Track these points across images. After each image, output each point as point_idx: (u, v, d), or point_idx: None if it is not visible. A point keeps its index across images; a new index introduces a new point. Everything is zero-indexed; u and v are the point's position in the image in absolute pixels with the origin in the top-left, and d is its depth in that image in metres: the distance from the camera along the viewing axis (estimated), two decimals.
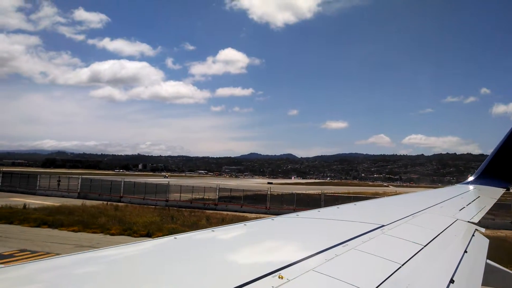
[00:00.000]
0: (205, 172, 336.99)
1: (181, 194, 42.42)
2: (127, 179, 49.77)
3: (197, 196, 42.79)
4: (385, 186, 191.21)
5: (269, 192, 40.18)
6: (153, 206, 38.27)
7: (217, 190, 41.50)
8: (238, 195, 41.87)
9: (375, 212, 5.01)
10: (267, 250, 2.53)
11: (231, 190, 42.88)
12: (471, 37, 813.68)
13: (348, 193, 59.01)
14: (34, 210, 29.29)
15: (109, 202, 38.63)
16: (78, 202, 38.29)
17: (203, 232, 2.73)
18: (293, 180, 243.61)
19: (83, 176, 46.08)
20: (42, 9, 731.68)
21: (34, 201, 37.75)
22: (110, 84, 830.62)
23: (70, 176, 51.91)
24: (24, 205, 30.65)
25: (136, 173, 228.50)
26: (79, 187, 44.41)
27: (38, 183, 46.01)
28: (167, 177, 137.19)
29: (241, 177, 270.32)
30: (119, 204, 38.09)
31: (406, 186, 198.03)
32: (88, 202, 37.18)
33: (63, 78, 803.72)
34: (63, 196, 43.55)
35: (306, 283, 1.81)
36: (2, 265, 1.72)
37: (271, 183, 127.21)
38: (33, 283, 1.62)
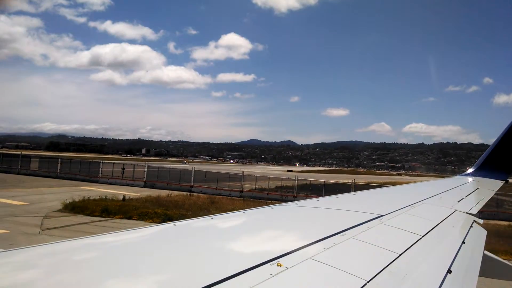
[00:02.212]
0: (209, 158, 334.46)
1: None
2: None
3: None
4: (397, 175, 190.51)
5: (353, 183, 38.25)
6: (227, 197, 36.21)
7: (296, 180, 39.39)
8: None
9: (374, 202, 4.93)
10: (266, 238, 2.51)
11: (310, 180, 40.79)
12: (475, 27, 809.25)
13: None
14: (136, 202, 27.02)
15: (185, 192, 36.59)
16: (149, 191, 36.05)
17: (202, 220, 2.71)
18: (303, 167, 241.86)
19: (149, 164, 43.50)
20: None
21: (107, 190, 35.37)
22: (110, 67, 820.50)
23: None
24: (124, 197, 28.27)
25: (144, 158, 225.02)
26: (145, 176, 41.91)
27: (100, 171, 43.40)
28: (185, 163, 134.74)
29: (247, 164, 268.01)
30: (199, 194, 35.93)
31: (416, 175, 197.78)
32: (163, 192, 35.00)
33: (64, 61, 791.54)
34: (128, 185, 41.08)
35: (304, 271, 1.81)
36: (1, 250, 1.70)
37: (290, 171, 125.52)
38: (33, 268, 1.62)
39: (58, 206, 24.75)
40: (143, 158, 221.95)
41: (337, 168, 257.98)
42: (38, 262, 1.69)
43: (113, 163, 46.56)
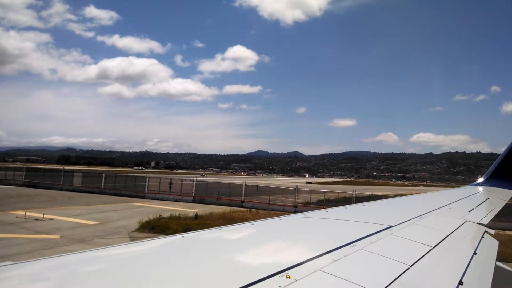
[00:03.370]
0: (219, 170, 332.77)
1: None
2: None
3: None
4: (414, 185, 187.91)
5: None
6: (281, 212, 34.81)
7: (353, 193, 37.92)
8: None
9: (383, 213, 4.82)
10: (275, 250, 2.51)
11: (370, 194, 39.32)
12: (482, 35, 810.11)
13: None
14: (210, 220, 25.69)
15: (238, 208, 35.36)
16: (202, 207, 34.88)
17: (210, 231, 2.70)
18: (318, 179, 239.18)
19: (197, 178, 42.18)
20: (53, 6, 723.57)
21: (162, 206, 34.12)
22: (118, 81, 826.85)
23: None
24: (196, 215, 26.96)
25: (155, 170, 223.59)
26: (193, 190, 40.60)
27: (147, 186, 42.11)
28: (203, 175, 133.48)
29: (259, 175, 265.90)
30: (258, 210, 34.57)
31: (432, 185, 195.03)
32: (214, 208, 33.79)
33: (72, 75, 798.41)
34: (176, 200, 39.81)
35: (314, 283, 1.79)
36: (9, 262, 1.70)
37: (310, 183, 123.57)
38: (39, 281, 1.62)
39: (132, 225, 23.62)
40: (155, 170, 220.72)
41: (350, 179, 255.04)
42: (46, 274, 1.67)
43: (160, 177, 45.34)
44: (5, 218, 23.50)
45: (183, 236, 2.40)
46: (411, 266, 2.29)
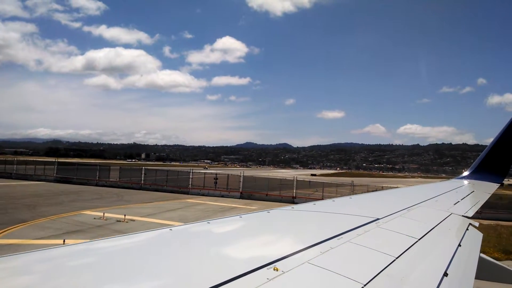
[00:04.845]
0: (210, 162, 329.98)
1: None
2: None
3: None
4: (411, 177, 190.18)
5: None
6: None
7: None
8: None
9: (370, 206, 4.90)
10: (263, 243, 2.51)
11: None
12: (468, 27, 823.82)
13: None
14: None
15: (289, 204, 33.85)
16: (259, 204, 33.39)
17: (198, 224, 2.70)
18: (319, 171, 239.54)
19: (245, 174, 40.38)
20: None
21: (217, 203, 32.48)
22: (105, 72, 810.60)
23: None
24: None
25: (155, 163, 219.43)
26: (241, 186, 38.95)
27: (190, 181, 40.17)
28: (206, 168, 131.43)
29: (256, 167, 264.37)
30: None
31: (432, 177, 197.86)
32: (269, 205, 32.30)
33: (58, 66, 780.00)
34: (222, 196, 38.13)
35: (301, 275, 1.81)
36: None
37: (314, 175, 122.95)
38: (29, 273, 1.61)
39: None
40: (148, 163, 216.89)
41: (345, 171, 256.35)
42: (35, 267, 1.66)
43: (204, 173, 43.40)
44: (84, 220, 21.51)
45: (171, 229, 2.35)
46: (397, 258, 2.29)
